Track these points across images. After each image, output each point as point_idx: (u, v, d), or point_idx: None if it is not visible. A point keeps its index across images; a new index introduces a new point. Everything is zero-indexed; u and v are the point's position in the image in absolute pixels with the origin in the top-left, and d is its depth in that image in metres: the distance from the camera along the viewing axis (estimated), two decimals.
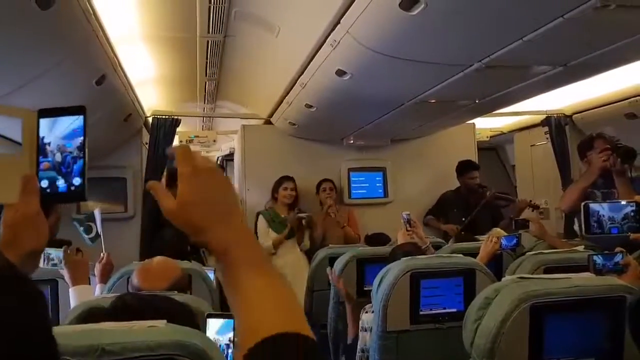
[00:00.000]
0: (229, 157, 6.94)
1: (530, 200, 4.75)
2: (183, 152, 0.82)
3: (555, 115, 5.22)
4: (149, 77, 4.45)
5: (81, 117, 0.90)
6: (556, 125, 5.21)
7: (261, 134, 5.41)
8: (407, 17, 2.21)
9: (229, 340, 1.44)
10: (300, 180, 5.10)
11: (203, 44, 3.85)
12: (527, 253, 2.69)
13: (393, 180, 5.41)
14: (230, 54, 4.15)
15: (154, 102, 5.25)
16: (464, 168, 5.19)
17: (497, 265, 3.08)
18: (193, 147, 3.84)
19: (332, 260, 3.55)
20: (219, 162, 7.21)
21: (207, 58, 4.19)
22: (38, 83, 2.41)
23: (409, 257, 2.41)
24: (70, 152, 0.88)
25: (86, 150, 0.89)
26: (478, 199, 4.91)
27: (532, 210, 4.73)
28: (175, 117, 4.91)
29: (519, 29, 2.37)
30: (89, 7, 2.30)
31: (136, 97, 4.11)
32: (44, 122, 0.88)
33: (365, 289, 3.12)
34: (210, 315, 1.47)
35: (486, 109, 4.20)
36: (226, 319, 1.45)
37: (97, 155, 4.66)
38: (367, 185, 5.42)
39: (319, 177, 5.17)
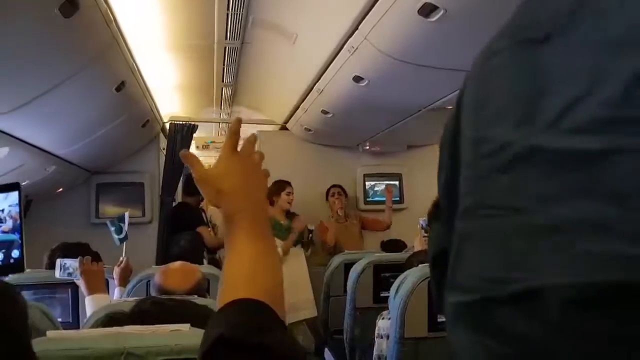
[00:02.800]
0: None
1: None
2: (233, 131, 0.92)
3: None
4: (166, 83, 4.49)
5: (16, 192, 0.91)
6: None
7: (277, 140, 5.42)
8: (426, 23, 2.21)
9: None
10: (315, 187, 5.12)
11: (220, 51, 3.88)
12: None
13: (409, 187, 5.40)
14: (247, 61, 4.17)
15: (171, 108, 5.29)
16: None
17: None
18: (209, 153, 3.87)
19: (347, 266, 3.55)
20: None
21: (224, 64, 4.22)
22: (60, 90, 2.45)
23: (427, 264, 2.39)
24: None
25: (22, 224, 0.90)
26: None
27: None
28: (193, 123, 4.94)
29: None
30: (110, 15, 2.33)
31: (154, 103, 4.15)
32: None
33: (382, 295, 3.11)
34: None
35: None
36: None
37: (115, 161, 4.71)
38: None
39: (335, 182, 5.17)
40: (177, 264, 2.10)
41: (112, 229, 3.20)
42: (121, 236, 3.18)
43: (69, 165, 3.88)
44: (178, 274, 2.00)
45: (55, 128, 2.98)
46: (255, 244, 0.85)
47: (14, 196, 0.91)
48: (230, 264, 0.86)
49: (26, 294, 2.48)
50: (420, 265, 2.39)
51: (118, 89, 2.93)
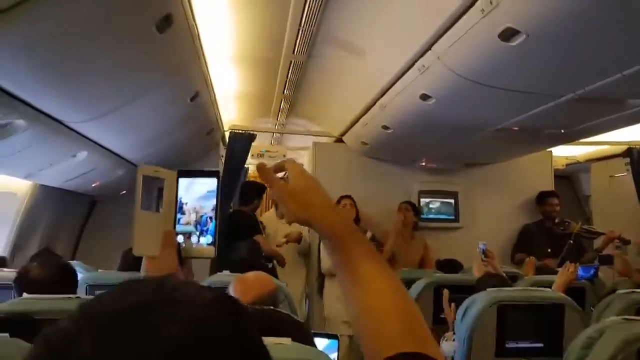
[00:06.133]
0: None
1: (620, 235, 4.55)
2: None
3: (638, 147, 5.05)
4: (230, 93, 4.60)
5: (215, 179, 0.95)
6: (639, 157, 5.04)
7: (332, 152, 5.45)
8: (506, 47, 2.21)
9: None
10: (370, 201, 5.11)
11: (286, 64, 3.95)
12: (617, 291, 2.60)
13: (465, 206, 5.34)
14: (310, 74, 4.23)
15: (230, 116, 5.40)
16: (543, 195, 5.18)
17: (579, 301, 3.00)
18: (263, 162, 3.91)
19: (404, 284, 3.53)
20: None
21: (287, 77, 4.29)
22: (142, 99, 2.55)
23: (496, 289, 2.38)
24: (206, 212, 0.93)
25: (218, 211, 0.94)
26: (563, 231, 4.83)
27: (621, 245, 4.54)
28: (252, 132, 5.02)
29: (620, 63, 2.33)
30: (196, 30, 2.42)
31: (219, 112, 4.25)
32: (182, 183, 0.94)
33: (441, 316, 3.09)
34: (316, 335, 1.51)
35: (569, 139, 4.10)
36: (331, 339, 1.48)
37: (177, 167, 4.80)
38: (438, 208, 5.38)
39: (388, 198, 5.15)
40: (252, 274, 2.13)
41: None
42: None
43: (136, 170, 4.01)
44: (253, 284, 2.04)
45: (132, 134, 3.10)
46: (383, 271, 0.84)
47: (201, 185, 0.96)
48: (370, 298, 0.82)
49: None
50: (488, 289, 2.38)
51: (192, 99, 3.02)
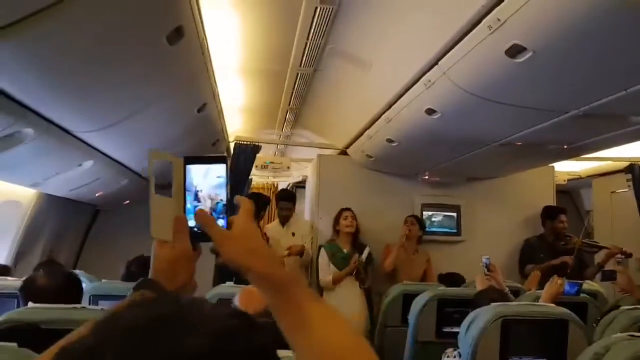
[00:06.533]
0: (299, 184, 7.04)
1: (622, 248, 4.57)
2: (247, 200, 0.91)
3: None
4: (236, 104, 4.62)
5: (224, 165, 0.96)
6: None
7: (337, 164, 5.46)
8: (512, 63, 2.23)
9: None
10: (373, 214, 5.13)
11: (292, 76, 3.97)
12: (621, 307, 2.60)
13: (467, 219, 5.34)
14: (317, 86, 4.26)
15: (235, 127, 5.42)
16: (553, 212, 5.13)
17: (581, 316, 3.00)
18: (267, 173, 3.94)
19: (406, 297, 3.54)
20: (289, 188, 7.34)
21: (293, 89, 4.31)
22: (150, 110, 2.57)
23: (500, 303, 2.38)
24: (222, 199, 0.94)
25: (228, 195, 0.95)
26: (564, 245, 4.82)
27: (624, 258, 4.55)
28: (256, 143, 5.04)
29: (624, 80, 2.35)
30: (206, 42, 2.44)
31: (225, 123, 4.27)
32: (196, 172, 0.95)
33: (444, 330, 3.10)
34: None
35: (572, 154, 4.12)
36: None
37: None
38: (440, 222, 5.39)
39: (392, 210, 5.17)
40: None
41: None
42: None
43: (140, 180, 4.03)
44: (260, 295, 2.04)
45: (139, 144, 3.11)
46: (331, 313, 0.85)
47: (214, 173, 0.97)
48: (323, 341, 0.81)
49: (104, 304, 2.57)
50: (492, 303, 2.38)
51: (199, 110, 3.04)
